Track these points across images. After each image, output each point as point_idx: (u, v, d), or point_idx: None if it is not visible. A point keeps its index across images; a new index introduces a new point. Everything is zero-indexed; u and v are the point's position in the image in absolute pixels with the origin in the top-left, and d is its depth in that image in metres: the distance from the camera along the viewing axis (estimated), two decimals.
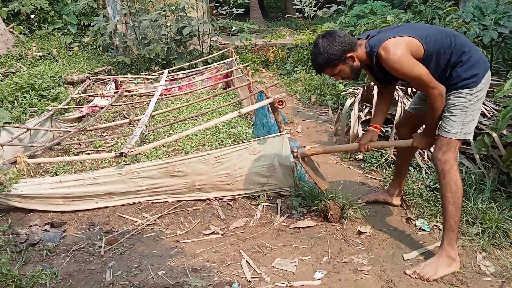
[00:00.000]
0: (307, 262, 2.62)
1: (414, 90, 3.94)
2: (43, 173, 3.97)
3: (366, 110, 4.22)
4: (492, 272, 2.46)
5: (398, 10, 6.61)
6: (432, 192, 3.17)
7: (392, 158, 3.83)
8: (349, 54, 2.49)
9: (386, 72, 2.50)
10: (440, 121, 2.52)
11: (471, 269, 2.49)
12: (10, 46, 8.94)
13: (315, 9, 8.74)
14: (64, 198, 3.25)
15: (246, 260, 2.64)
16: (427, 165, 3.59)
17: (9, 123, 4.62)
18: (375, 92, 4.04)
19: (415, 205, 3.13)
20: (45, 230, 3.02)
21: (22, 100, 5.33)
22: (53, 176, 3.77)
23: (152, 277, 2.51)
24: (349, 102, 4.39)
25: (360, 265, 2.57)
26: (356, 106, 4.22)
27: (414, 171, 3.57)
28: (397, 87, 4.09)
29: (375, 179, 3.74)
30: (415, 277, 2.42)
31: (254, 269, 2.55)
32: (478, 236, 2.74)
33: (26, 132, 4.39)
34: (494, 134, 3.20)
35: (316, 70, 2.65)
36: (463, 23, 4.35)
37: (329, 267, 2.57)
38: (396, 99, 3.95)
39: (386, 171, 3.78)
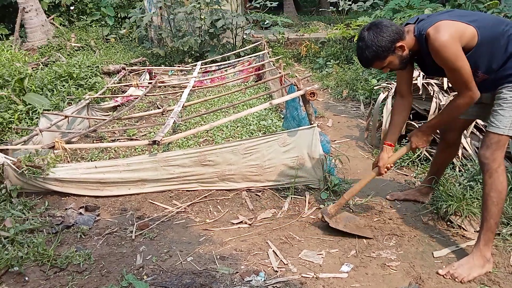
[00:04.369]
0: (334, 255, 2.62)
1: (450, 85, 3.84)
2: (79, 159, 4.10)
3: None
4: None
5: (436, 4, 6.44)
6: (465, 190, 3.08)
7: (424, 154, 3.76)
8: (399, 44, 2.35)
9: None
10: (490, 116, 2.41)
11: (504, 269, 2.42)
12: (50, 36, 9.26)
13: (350, 2, 8.59)
14: (99, 183, 3.35)
15: (273, 250, 2.66)
16: (461, 162, 3.50)
17: (48, 110, 4.80)
18: None
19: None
20: (80, 213, 3.13)
21: (61, 88, 5.50)
22: (88, 162, 3.89)
23: (181, 262, 2.57)
24: (382, 96, 4.33)
25: (389, 260, 2.54)
26: (389, 101, 4.14)
27: (448, 168, 3.49)
28: (432, 81, 4.00)
29: (406, 175, 3.68)
30: (449, 278, 2.36)
31: (281, 260, 2.57)
32: None
33: (64, 119, 4.54)
34: None
35: (363, 65, 2.51)
36: (504, 17, 4.20)
37: (357, 261, 2.55)
38: (431, 94, 3.86)
39: (418, 168, 3.71)
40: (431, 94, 3.85)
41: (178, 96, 6.05)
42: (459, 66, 2.25)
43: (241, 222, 3.03)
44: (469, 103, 2.38)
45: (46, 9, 10.01)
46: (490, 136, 2.36)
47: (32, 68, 6.48)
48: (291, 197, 3.29)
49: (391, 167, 2.78)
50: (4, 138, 4.25)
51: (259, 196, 3.36)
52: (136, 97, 5.72)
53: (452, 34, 2.21)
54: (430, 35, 2.25)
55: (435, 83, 3.99)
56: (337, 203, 2.87)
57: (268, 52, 7.04)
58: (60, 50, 8.72)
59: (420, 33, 2.34)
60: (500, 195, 2.33)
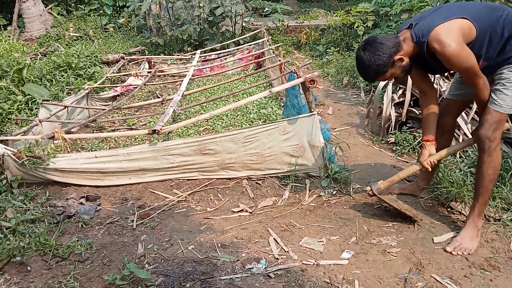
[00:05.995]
0: (334, 242, 2.63)
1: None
2: (79, 149, 4.10)
3: (400, 92, 4.12)
4: None
5: None
6: (465, 176, 3.08)
7: None
8: (397, 57, 2.39)
9: (439, 60, 2.36)
10: (491, 94, 2.44)
11: (504, 254, 2.43)
12: (48, 26, 9.19)
13: None
14: (99, 173, 3.35)
15: (273, 238, 2.67)
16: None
17: (47, 100, 4.78)
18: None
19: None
20: (81, 203, 3.14)
21: (60, 78, 5.48)
22: (88, 152, 3.88)
23: (182, 251, 2.58)
24: (382, 84, 4.30)
25: (389, 247, 2.55)
26: (389, 88, 4.13)
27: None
28: None
29: (407, 162, 3.67)
30: (457, 254, 2.45)
31: (282, 247, 2.58)
32: None
33: (63, 109, 4.53)
34: None
35: (367, 81, 2.62)
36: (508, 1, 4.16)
37: (357, 247, 2.56)
38: (432, 80, 3.84)
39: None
40: (432, 81, 3.82)
41: (177, 85, 6.03)
42: (470, 64, 2.29)
43: (242, 210, 3.04)
44: (485, 85, 2.43)
45: None
46: (492, 114, 2.41)
47: (30, 58, 6.45)
48: (292, 185, 3.30)
49: (435, 163, 2.73)
50: (3, 129, 4.24)
51: (260, 184, 3.36)
52: (136, 86, 5.71)
53: (456, 40, 2.23)
54: (437, 49, 2.27)
55: None
56: (390, 179, 2.82)
57: (267, 40, 7.00)
58: (59, 40, 8.66)
59: (420, 40, 2.35)
60: (496, 171, 2.45)
